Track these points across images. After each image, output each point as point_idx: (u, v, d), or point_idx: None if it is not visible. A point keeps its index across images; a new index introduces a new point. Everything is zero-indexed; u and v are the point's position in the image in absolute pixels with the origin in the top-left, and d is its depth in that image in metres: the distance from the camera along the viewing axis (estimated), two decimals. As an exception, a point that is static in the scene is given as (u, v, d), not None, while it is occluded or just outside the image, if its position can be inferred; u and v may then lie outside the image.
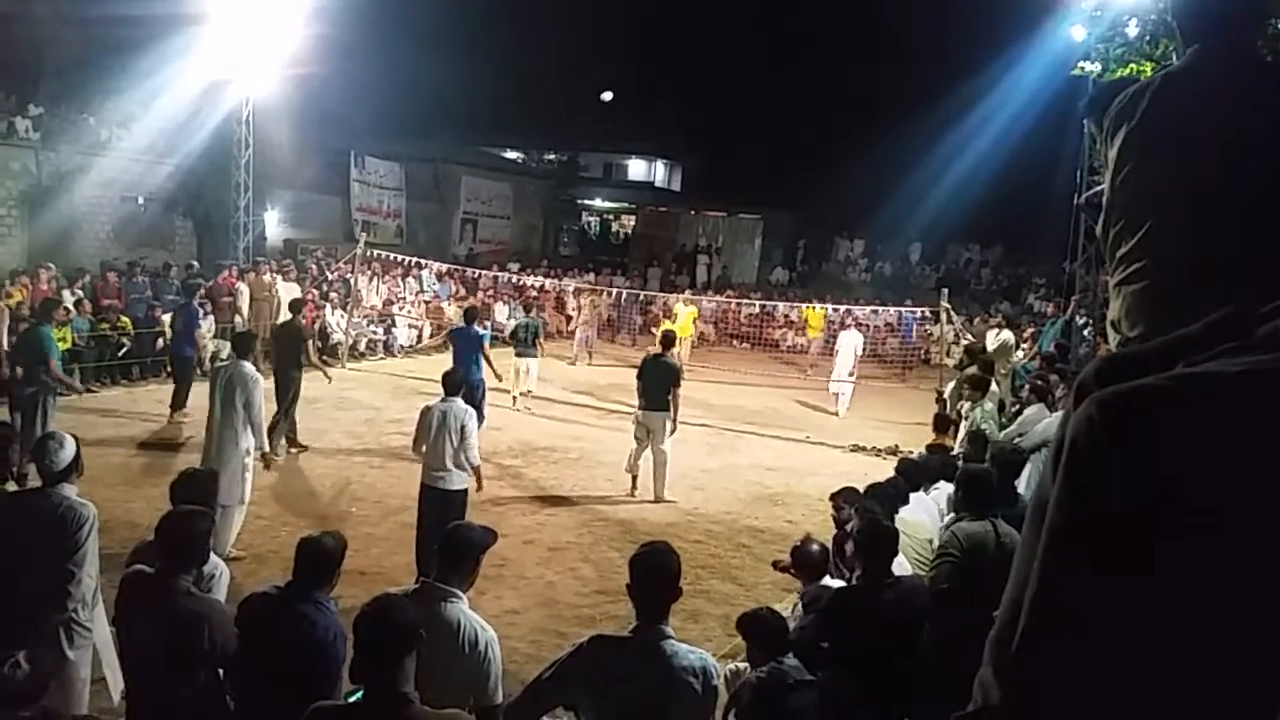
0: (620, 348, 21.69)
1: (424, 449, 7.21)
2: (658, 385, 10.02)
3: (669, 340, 10.84)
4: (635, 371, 10.47)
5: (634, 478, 10.09)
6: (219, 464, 7.12)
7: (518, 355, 14.15)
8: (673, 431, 10.04)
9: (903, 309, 21.46)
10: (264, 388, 7.82)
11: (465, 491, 7.26)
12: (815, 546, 5.16)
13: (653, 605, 3.18)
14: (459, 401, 7.37)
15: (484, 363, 11.36)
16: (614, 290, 23.93)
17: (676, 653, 3.10)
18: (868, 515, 4.67)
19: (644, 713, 3.05)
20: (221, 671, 3.68)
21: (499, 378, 12.53)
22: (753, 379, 18.41)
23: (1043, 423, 8.02)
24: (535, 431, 12.77)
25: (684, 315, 19.35)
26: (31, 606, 4.13)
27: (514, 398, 13.98)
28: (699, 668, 3.09)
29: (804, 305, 21.80)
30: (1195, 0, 1.89)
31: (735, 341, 23.15)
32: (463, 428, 7.11)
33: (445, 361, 15.90)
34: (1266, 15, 2.38)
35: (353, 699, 2.94)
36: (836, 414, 15.91)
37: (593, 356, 19.72)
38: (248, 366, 7.68)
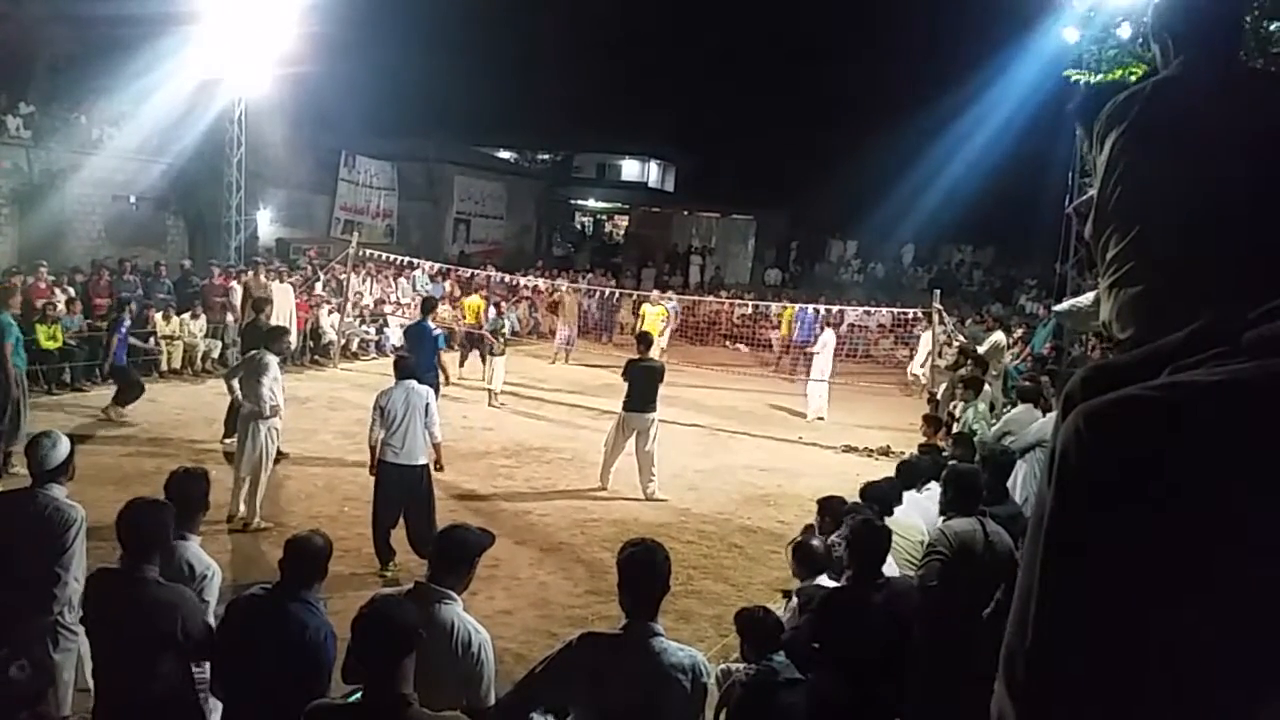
0: (606, 348, 21.65)
1: (389, 431, 7.41)
2: (645, 387, 10.08)
3: (647, 341, 10.95)
4: (621, 374, 10.46)
5: (604, 479, 10.26)
6: (247, 439, 8.23)
7: (488, 353, 14.65)
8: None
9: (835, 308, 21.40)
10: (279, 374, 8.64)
11: (427, 467, 7.58)
12: (815, 542, 5.16)
13: (642, 603, 3.19)
14: (414, 383, 7.69)
15: (438, 362, 11.31)
16: (595, 290, 23.77)
17: (665, 649, 3.11)
18: (860, 516, 4.68)
19: (633, 709, 3.06)
20: (209, 667, 3.68)
21: (448, 380, 13.09)
22: (744, 380, 18.43)
23: (1035, 424, 8.02)
24: (528, 432, 12.77)
25: (651, 316, 19.32)
26: (17, 608, 4.10)
27: (489, 394, 14.30)
28: (688, 664, 3.10)
29: (776, 305, 22.02)
30: (1185, 13, 1.91)
31: (728, 342, 23.16)
32: (427, 406, 7.54)
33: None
34: (1243, 22, 2.42)
35: (352, 699, 2.93)
36: (821, 418, 15.40)
37: (569, 357, 19.54)
38: (269, 356, 8.51)
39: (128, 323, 12.95)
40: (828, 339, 16.23)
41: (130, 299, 13.94)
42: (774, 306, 22.04)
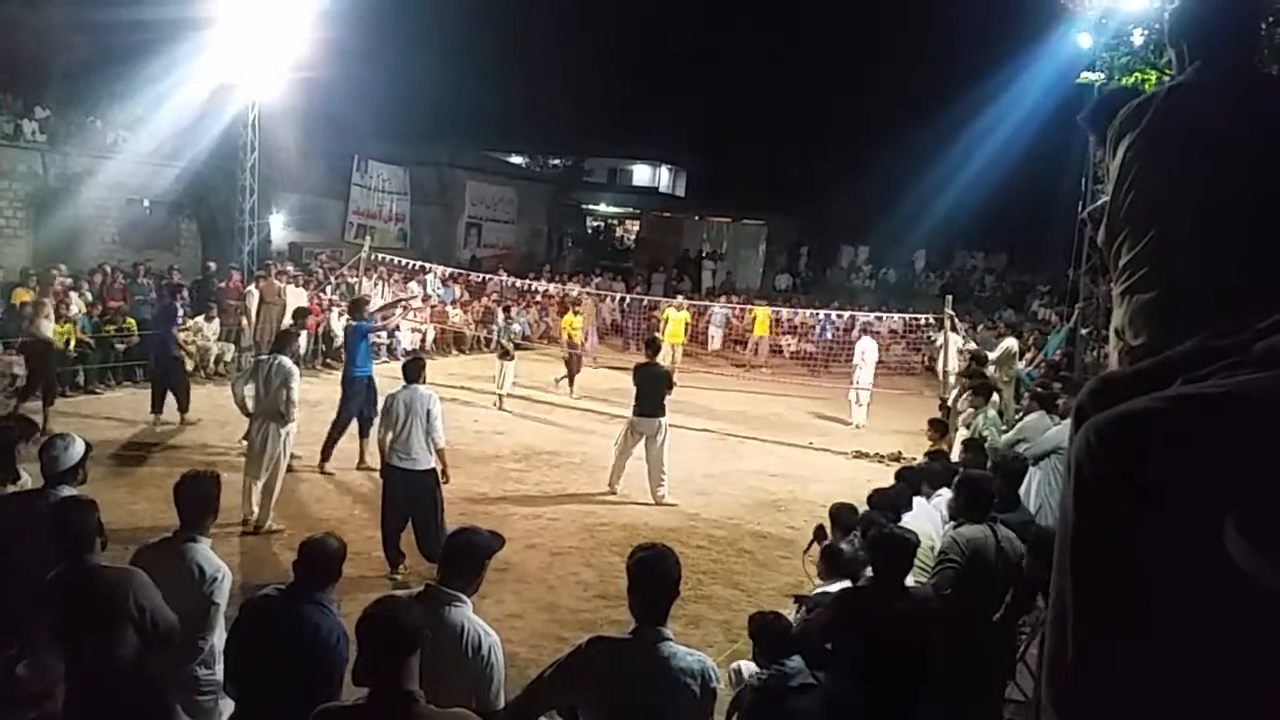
0: (620, 352, 21.69)
1: (392, 434, 7.44)
2: (651, 391, 10.12)
3: (655, 346, 11.06)
4: (631, 378, 10.51)
5: (613, 484, 10.27)
6: (264, 443, 8.24)
7: (498, 357, 14.82)
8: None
9: (849, 314, 21.53)
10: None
11: (434, 471, 7.56)
12: (845, 546, 5.12)
13: (651, 607, 3.19)
14: (421, 387, 7.69)
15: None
16: (617, 295, 23.86)
17: (675, 654, 3.11)
18: (880, 525, 4.64)
19: (642, 713, 3.06)
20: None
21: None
22: (756, 385, 18.41)
23: (1050, 431, 7.96)
24: (538, 436, 12.78)
25: (675, 320, 19.42)
26: (26, 609, 4.11)
27: (497, 398, 14.53)
28: (697, 669, 3.10)
29: (747, 308, 22.33)
30: (1201, 20, 1.91)
31: (738, 348, 23.17)
32: (429, 411, 7.46)
33: (448, 364, 15.99)
34: (1259, 29, 2.41)
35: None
36: (859, 425, 15.39)
37: (595, 360, 19.75)
38: (287, 360, 8.48)
39: (180, 310, 12.37)
40: (867, 347, 16.13)
41: (181, 285, 13.93)
42: (751, 309, 22.25)
